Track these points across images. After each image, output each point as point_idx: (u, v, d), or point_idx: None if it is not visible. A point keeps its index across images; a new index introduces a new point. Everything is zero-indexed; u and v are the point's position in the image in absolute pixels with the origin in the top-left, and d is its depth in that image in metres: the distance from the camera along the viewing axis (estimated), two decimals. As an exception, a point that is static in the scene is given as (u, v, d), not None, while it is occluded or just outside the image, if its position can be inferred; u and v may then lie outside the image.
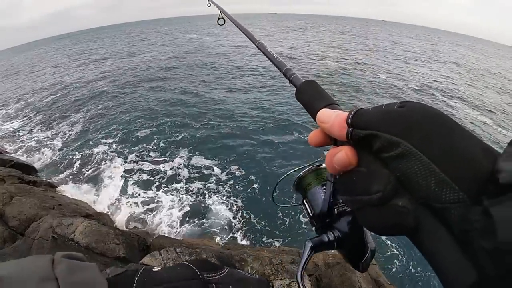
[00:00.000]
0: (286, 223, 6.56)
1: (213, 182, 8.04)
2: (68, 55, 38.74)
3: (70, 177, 8.56)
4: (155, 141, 10.39)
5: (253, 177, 8.16)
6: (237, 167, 8.65)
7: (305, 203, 0.52)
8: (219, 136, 10.57)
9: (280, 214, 6.75)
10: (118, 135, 10.96)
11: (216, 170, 8.55)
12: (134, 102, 14.61)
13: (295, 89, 0.49)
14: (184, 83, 17.50)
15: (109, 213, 6.70)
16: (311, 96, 0.45)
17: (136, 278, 0.31)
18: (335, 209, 0.47)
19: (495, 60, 46.88)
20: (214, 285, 0.36)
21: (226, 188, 7.77)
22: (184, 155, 9.40)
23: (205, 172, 8.50)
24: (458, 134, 0.27)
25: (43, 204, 5.17)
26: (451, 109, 14.86)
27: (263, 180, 8.02)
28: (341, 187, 0.35)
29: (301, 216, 6.54)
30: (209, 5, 2.02)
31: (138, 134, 11.00)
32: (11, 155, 9.54)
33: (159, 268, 0.35)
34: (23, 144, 11.08)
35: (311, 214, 0.50)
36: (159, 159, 9.26)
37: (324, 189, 0.49)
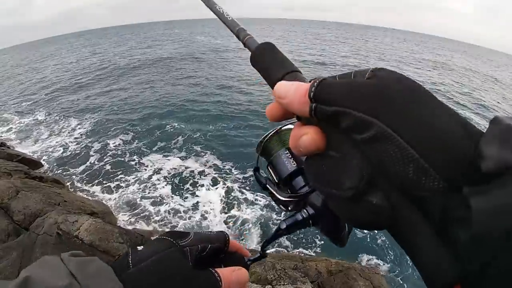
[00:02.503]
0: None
1: (219, 184, 8.02)
2: (81, 52, 39.29)
3: (77, 174, 8.62)
4: (162, 139, 10.43)
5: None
6: (247, 169, 8.62)
7: (269, 169, 0.48)
8: (233, 137, 10.59)
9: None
10: (127, 134, 11.03)
11: (223, 171, 8.55)
12: (146, 101, 14.66)
13: (250, 53, 0.43)
14: (198, 83, 17.60)
15: (113, 211, 6.72)
16: (268, 63, 0.39)
17: (130, 258, 0.39)
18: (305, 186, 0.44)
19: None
20: (187, 248, 0.43)
21: (231, 189, 7.74)
22: (193, 155, 9.41)
23: (212, 172, 8.50)
24: (437, 111, 0.24)
25: (49, 200, 5.21)
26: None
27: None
28: (309, 172, 0.31)
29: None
30: None
31: (147, 132, 11.06)
32: (19, 150, 9.66)
33: (142, 247, 0.42)
34: (31, 139, 11.21)
35: (276, 181, 0.47)
36: (166, 158, 9.28)
37: (287, 153, 0.46)
